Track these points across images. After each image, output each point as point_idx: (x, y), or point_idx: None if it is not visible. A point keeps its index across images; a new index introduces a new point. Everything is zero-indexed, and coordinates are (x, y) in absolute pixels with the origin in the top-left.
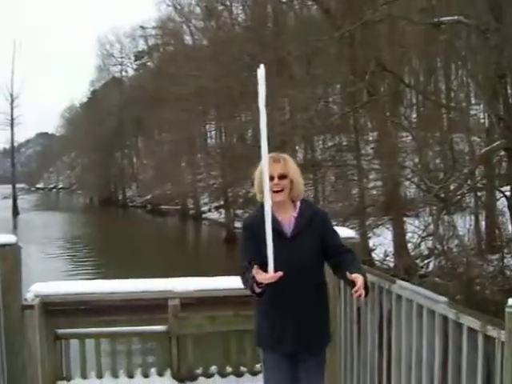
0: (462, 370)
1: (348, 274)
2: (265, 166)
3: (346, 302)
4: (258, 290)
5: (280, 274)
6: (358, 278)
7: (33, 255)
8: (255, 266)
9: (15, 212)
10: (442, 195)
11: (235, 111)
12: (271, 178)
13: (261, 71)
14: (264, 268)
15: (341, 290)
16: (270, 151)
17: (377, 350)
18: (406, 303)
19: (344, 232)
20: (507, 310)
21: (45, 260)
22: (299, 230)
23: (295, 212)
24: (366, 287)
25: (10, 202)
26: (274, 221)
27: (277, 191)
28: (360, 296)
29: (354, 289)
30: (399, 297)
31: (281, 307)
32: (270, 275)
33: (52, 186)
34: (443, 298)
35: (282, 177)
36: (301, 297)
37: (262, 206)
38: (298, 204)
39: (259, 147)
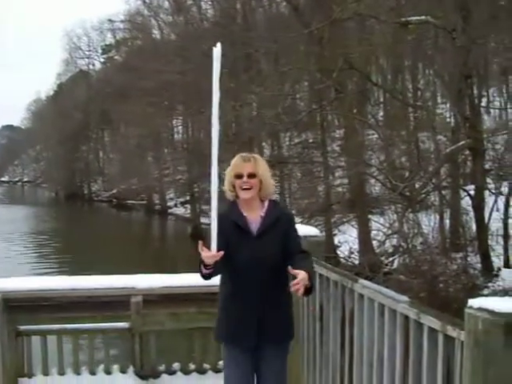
0: (423, 369)
1: (290, 268)
2: (214, 148)
3: (308, 298)
4: (204, 271)
5: (221, 253)
6: (300, 274)
7: None
8: (200, 243)
9: None
10: (407, 193)
11: (202, 106)
12: (240, 176)
13: (217, 50)
14: (226, 259)
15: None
16: (237, 147)
17: (339, 348)
18: (368, 302)
19: (308, 230)
20: (467, 311)
21: (8, 255)
22: (264, 229)
23: (262, 211)
24: (309, 287)
25: None
26: (241, 218)
27: (245, 189)
28: (298, 290)
29: (293, 282)
30: (361, 296)
31: (244, 302)
32: (212, 253)
33: (17, 179)
34: (404, 298)
35: (251, 175)
36: (264, 292)
37: (231, 202)
38: (266, 204)
39: (227, 143)
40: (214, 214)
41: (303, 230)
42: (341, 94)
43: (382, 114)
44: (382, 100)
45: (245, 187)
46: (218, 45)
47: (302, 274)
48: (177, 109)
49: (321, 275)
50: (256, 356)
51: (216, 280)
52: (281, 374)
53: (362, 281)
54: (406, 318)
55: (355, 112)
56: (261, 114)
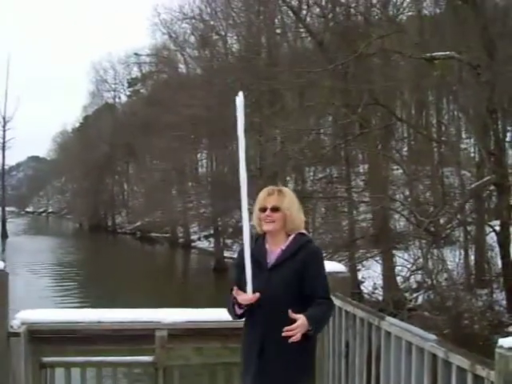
0: None
1: (290, 312)
2: (243, 192)
3: (334, 335)
4: (238, 312)
5: (257, 295)
6: (299, 319)
7: (21, 280)
8: (235, 288)
9: (4, 235)
10: (432, 229)
11: (227, 140)
12: (264, 210)
13: (239, 99)
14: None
15: (329, 323)
16: (262, 182)
17: None
18: (395, 340)
19: (333, 266)
20: (497, 350)
21: (33, 286)
22: (279, 261)
23: (284, 244)
24: (306, 333)
25: None
26: (262, 250)
27: (268, 222)
28: (291, 336)
29: (286, 328)
30: (388, 333)
31: (250, 337)
32: (248, 296)
33: (42, 210)
34: (432, 336)
35: (275, 209)
36: (268, 332)
37: (258, 236)
38: (292, 236)
39: (251, 177)
40: (247, 254)
41: (328, 266)
42: (365, 129)
43: (406, 149)
44: (406, 135)
45: (267, 221)
46: (240, 93)
47: (300, 320)
48: (201, 142)
49: (347, 312)
50: None
51: None
52: None
53: (388, 318)
54: (434, 356)
55: (379, 147)
56: (285, 148)
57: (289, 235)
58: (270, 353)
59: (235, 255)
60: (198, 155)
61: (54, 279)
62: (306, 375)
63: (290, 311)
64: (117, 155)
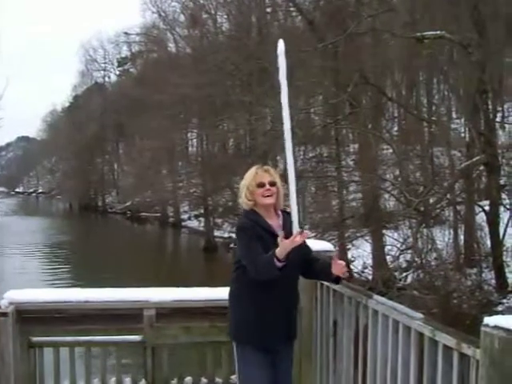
0: None
1: (334, 255)
2: (287, 143)
3: (322, 314)
4: (279, 265)
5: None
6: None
7: (9, 261)
8: (280, 234)
9: None
10: (422, 208)
11: (217, 120)
12: (262, 185)
13: (280, 45)
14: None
15: (317, 302)
16: (252, 161)
17: (352, 365)
18: (382, 318)
19: (322, 245)
20: (483, 329)
21: (21, 267)
22: (288, 235)
23: (280, 220)
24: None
25: None
26: (267, 224)
27: (268, 196)
28: (343, 272)
29: (338, 263)
30: (376, 312)
31: (274, 303)
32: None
33: (32, 190)
34: (419, 315)
35: (272, 184)
36: (290, 294)
37: (249, 211)
38: (280, 213)
39: (241, 156)
40: (292, 197)
41: (317, 245)
42: (355, 108)
43: (396, 128)
44: (396, 115)
45: (267, 194)
46: (281, 41)
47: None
48: (191, 122)
49: (335, 291)
50: (274, 356)
51: (227, 294)
52: (290, 373)
53: (376, 297)
54: (421, 335)
55: (370, 127)
56: (275, 127)
57: (275, 210)
58: (289, 314)
59: (225, 234)
60: (189, 135)
61: (43, 260)
62: None
63: (333, 255)
64: (107, 135)
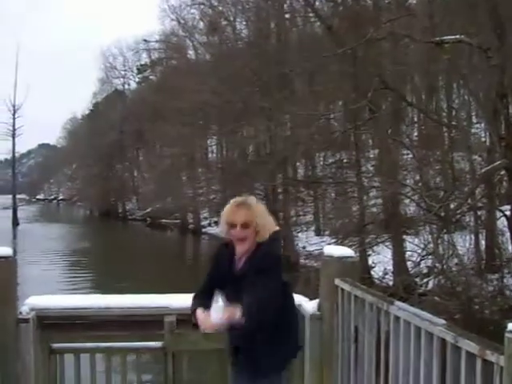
0: None
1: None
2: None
3: (343, 320)
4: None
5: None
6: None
7: (31, 267)
8: (199, 310)
9: (15, 222)
10: (442, 214)
11: (237, 126)
12: (234, 226)
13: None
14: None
15: (338, 308)
16: (272, 167)
17: (374, 371)
18: (404, 325)
19: (343, 251)
20: (507, 335)
21: (42, 272)
22: (244, 270)
23: (250, 252)
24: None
25: (9, 212)
26: (231, 255)
27: (240, 239)
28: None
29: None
30: (397, 318)
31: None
32: (206, 324)
33: (52, 197)
34: (441, 321)
35: (245, 225)
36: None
37: (223, 244)
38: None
39: (261, 163)
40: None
41: (338, 251)
42: (375, 113)
43: (416, 133)
44: (416, 120)
45: (239, 240)
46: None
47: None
48: (211, 128)
49: (356, 297)
50: None
51: None
52: None
53: (397, 303)
54: (444, 341)
55: (389, 132)
56: (295, 133)
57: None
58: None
59: None
60: (208, 141)
61: (64, 266)
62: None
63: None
64: (127, 142)
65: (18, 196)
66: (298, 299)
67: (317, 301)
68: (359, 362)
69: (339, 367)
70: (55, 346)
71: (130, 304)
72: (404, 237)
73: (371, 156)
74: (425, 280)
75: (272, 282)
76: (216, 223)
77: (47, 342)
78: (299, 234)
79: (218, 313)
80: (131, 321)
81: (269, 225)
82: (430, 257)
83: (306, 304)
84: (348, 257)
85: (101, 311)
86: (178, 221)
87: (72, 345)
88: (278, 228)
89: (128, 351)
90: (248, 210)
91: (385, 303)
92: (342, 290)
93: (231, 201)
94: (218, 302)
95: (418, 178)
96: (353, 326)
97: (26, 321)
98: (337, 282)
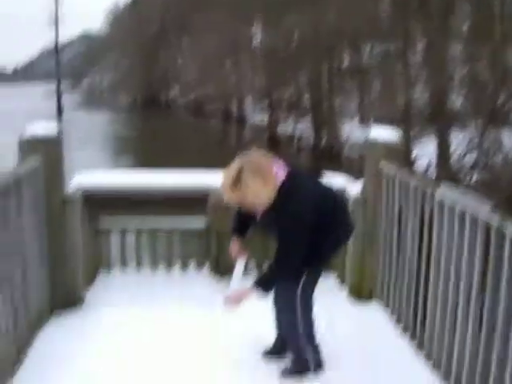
0: (502, 280)
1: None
2: None
3: (387, 204)
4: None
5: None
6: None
7: (76, 155)
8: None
9: (59, 110)
10: (490, 108)
11: (282, 13)
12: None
13: None
14: None
15: (382, 191)
16: (317, 54)
17: (416, 254)
18: (449, 209)
19: (387, 134)
20: None
21: (88, 158)
22: (265, 220)
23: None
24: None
25: (53, 101)
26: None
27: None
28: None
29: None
30: (442, 202)
31: None
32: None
33: (96, 85)
34: (487, 205)
35: (242, 203)
36: None
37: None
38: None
39: (305, 51)
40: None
41: (382, 133)
42: (425, 4)
43: (467, 25)
44: (467, 11)
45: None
46: None
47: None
48: (256, 15)
49: (401, 180)
50: None
51: None
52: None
53: (443, 186)
54: (488, 226)
55: (439, 23)
56: (342, 21)
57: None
58: None
59: (289, 129)
60: (253, 28)
61: (109, 154)
62: None
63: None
64: (170, 29)
65: (62, 85)
66: (342, 182)
67: (360, 184)
68: (401, 247)
69: (381, 251)
70: (101, 224)
71: (174, 182)
72: (449, 131)
73: (419, 48)
74: (468, 174)
75: (295, 227)
76: (260, 111)
77: (93, 222)
78: (343, 125)
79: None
80: (176, 199)
81: (268, 189)
82: (474, 151)
83: (350, 187)
84: (394, 140)
85: (146, 189)
86: (220, 108)
87: (118, 224)
88: (284, 174)
89: (173, 230)
90: (239, 191)
91: (430, 187)
92: (387, 173)
93: (224, 176)
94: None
95: (466, 71)
96: (396, 210)
97: (72, 200)
98: (382, 165)
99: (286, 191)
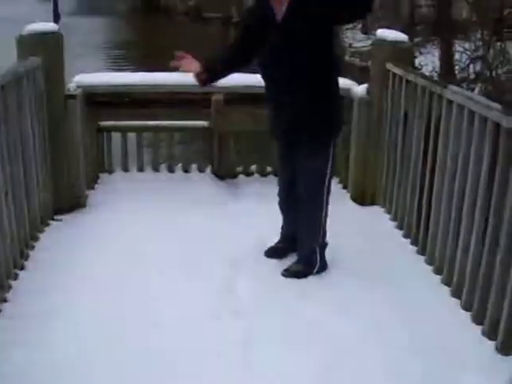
0: (510, 183)
1: None
2: None
3: (392, 105)
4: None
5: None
6: None
7: (76, 61)
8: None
9: (56, 16)
10: (496, 18)
11: None
12: None
13: None
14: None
15: (388, 92)
16: None
17: (421, 156)
18: (457, 109)
19: (396, 35)
20: None
21: (88, 62)
22: (287, 20)
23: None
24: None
25: (49, 5)
26: (268, 7)
27: None
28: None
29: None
30: (450, 102)
31: (274, 93)
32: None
33: None
34: (497, 105)
35: None
36: (291, 80)
37: None
38: None
39: None
40: None
41: (391, 35)
42: None
43: None
44: None
45: None
46: None
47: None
48: None
49: (408, 81)
50: (295, 150)
51: None
52: (316, 170)
53: (452, 86)
54: (497, 126)
55: None
56: None
57: None
58: (297, 102)
59: None
60: None
61: (111, 55)
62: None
63: None
64: None
65: None
66: (346, 83)
67: (366, 85)
68: (406, 149)
69: (385, 153)
70: (102, 123)
71: (177, 81)
72: (454, 40)
73: None
74: (471, 86)
75: None
76: None
77: (94, 120)
78: (346, 32)
79: None
80: (178, 99)
81: None
82: (478, 62)
83: (355, 88)
84: (401, 41)
85: (148, 88)
86: (220, 14)
87: (119, 123)
88: None
89: (175, 130)
90: None
91: (438, 87)
92: (394, 74)
93: None
94: None
95: None
96: (403, 110)
97: (72, 97)
98: (388, 66)
99: None
